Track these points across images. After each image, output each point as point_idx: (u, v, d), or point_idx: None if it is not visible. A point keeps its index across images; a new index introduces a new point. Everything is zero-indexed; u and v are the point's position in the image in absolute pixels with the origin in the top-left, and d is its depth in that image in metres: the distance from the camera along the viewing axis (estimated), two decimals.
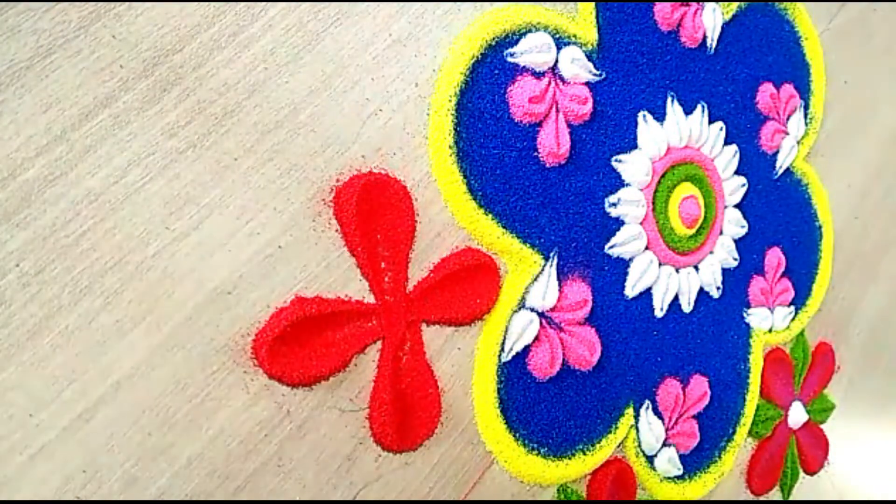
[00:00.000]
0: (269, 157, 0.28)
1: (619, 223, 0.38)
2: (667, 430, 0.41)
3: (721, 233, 0.44)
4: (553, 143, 0.35)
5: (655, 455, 0.40)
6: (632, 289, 0.39)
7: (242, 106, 0.28)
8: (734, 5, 0.44)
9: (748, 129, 0.46)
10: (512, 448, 0.34)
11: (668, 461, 0.41)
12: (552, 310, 0.35)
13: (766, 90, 0.46)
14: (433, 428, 0.32)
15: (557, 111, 0.35)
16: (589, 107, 0.36)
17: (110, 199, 0.25)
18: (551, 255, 0.35)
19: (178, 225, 0.26)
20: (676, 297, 0.41)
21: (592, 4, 0.37)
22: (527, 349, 0.34)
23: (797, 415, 0.49)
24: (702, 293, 0.43)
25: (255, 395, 0.28)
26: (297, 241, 0.29)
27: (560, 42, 0.35)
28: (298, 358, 0.28)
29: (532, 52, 0.34)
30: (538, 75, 0.34)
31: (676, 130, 0.41)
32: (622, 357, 0.38)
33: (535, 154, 0.35)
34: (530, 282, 0.35)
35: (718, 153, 0.43)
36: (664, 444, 0.41)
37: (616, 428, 0.38)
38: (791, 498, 0.50)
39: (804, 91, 0.49)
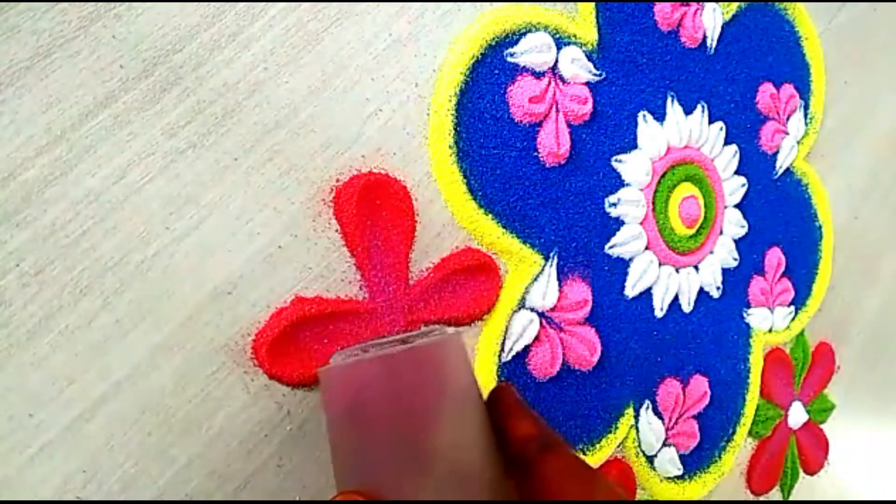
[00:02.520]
0: (269, 157, 0.28)
1: (619, 223, 0.38)
2: (667, 429, 0.41)
3: (721, 233, 0.44)
4: (553, 143, 0.35)
5: (655, 455, 0.40)
6: (632, 289, 0.39)
7: (242, 106, 0.28)
8: (734, 5, 0.44)
9: (748, 129, 0.46)
10: None
11: (668, 461, 0.41)
12: (552, 310, 0.35)
13: (766, 90, 0.46)
14: None
15: (557, 111, 0.35)
16: (589, 107, 0.36)
17: (110, 199, 0.25)
18: (551, 255, 0.35)
19: (178, 225, 0.26)
20: (676, 297, 0.41)
21: (592, 4, 0.37)
22: (527, 349, 0.34)
23: (797, 415, 0.49)
24: (702, 293, 0.43)
25: (255, 395, 0.28)
26: (297, 241, 0.29)
27: (560, 42, 0.35)
28: (298, 358, 0.28)
29: (532, 52, 0.34)
30: (538, 75, 0.34)
31: (676, 130, 0.41)
32: (622, 357, 0.38)
33: (535, 154, 0.35)
34: (530, 282, 0.35)
35: (718, 153, 0.43)
36: (664, 444, 0.41)
37: (616, 428, 0.38)
38: (791, 498, 0.50)
39: (804, 91, 0.49)
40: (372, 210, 0.30)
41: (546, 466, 0.21)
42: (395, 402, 0.20)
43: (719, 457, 0.44)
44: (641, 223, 0.39)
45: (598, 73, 0.37)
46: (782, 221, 0.48)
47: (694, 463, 0.42)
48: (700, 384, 0.42)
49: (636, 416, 0.39)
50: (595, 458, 0.38)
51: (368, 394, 0.21)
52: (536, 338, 0.34)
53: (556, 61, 0.35)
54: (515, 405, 0.23)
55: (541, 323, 0.35)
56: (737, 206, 0.45)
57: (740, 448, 0.45)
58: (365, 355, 0.21)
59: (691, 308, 0.42)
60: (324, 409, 0.22)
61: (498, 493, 0.21)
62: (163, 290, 0.26)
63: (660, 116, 0.40)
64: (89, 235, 0.25)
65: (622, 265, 0.38)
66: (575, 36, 0.36)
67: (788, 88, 0.48)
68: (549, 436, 0.22)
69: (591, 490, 0.20)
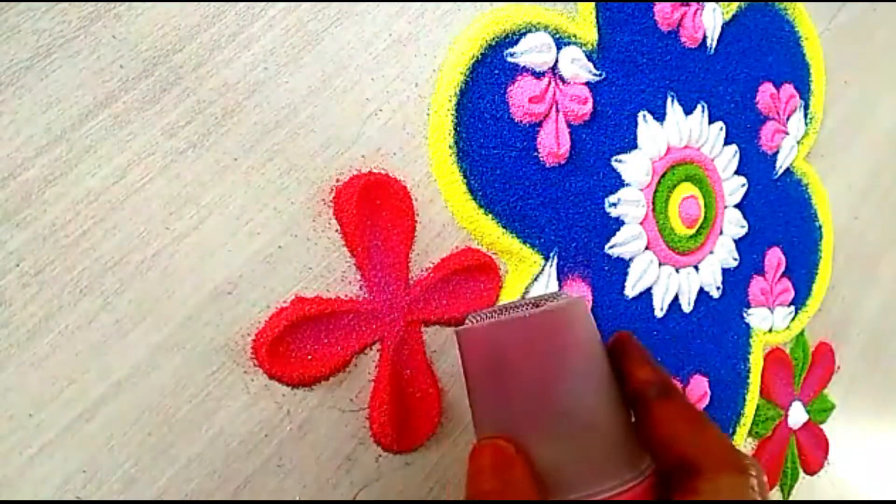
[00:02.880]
0: (269, 157, 0.28)
1: (619, 223, 0.38)
2: None
3: (721, 233, 0.44)
4: (553, 143, 0.35)
5: None
6: (632, 289, 0.39)
7: (242, 106, 0.28)
8: (734, 5, 0.44)
9: (748, 129, 0.46)
10: None
11: None
12: None
13: (766, 90, 0.46)
14: (433, 428, 0.32)
15: (557, 111, 0.35)
16: (589, 107, 0.36)
17: (110, 199, 0.25)
18: (551, 255, 0.35)
19: (178, 225, 0.26)
20: (676, 297, 0.41)
21: (592, 4, 0.37)
22: None
23: (797, 415, 0.49)
24: (702, 293, 0.43)
25: (255, 395, 0.28)
26: (297, 241, 0.29)
27: (560, 42, 0.35)
28: (298, 358, 0.28)
29: (532, 52, 0.34)
30: (538, 75, 0.34)
31: (676, 130, 0.41)
32: None
33: (535, 154, 0.35)
34: (530, 282, 0.35)
35: (718, 153, 0.43)
36: None
37: None
38: (791, 498, 0.50)
39: (804, 91, 0.49)
40: (372, 210, 0.30)
41: (661, 410, 0.23)
42: (531, 359, 0.23)
43: None
44: (641, 223, 0.39)
45: (598, 73, 0.37)
46: (782, 221, 0.48)
47: None
48: (700, 384, 0.42)
49: None
50: None
51: (508, 352, 0.23)
52: None
53: (556, 61, 0.35)
54: (637, 352, 0.25)
55: None
56: (737, 206, 0.45)
57: (740, 448, 0.45)
58: (502, 317, 0.23)
59: (691, 308, 0.42)
60: (463, 365, 0.24)
61: (621, 440, 0.23)
62: (163, 290, 0.26)
63: (660, 116, 0.40)
64: (89, 235, 0.25)
65: (622, 265, 0.38)
66: (575, 36, 0.36)
67: (788, 88, 0.48)
68: (667, 383, 0.24)
69: (702, 435, 0.22)
